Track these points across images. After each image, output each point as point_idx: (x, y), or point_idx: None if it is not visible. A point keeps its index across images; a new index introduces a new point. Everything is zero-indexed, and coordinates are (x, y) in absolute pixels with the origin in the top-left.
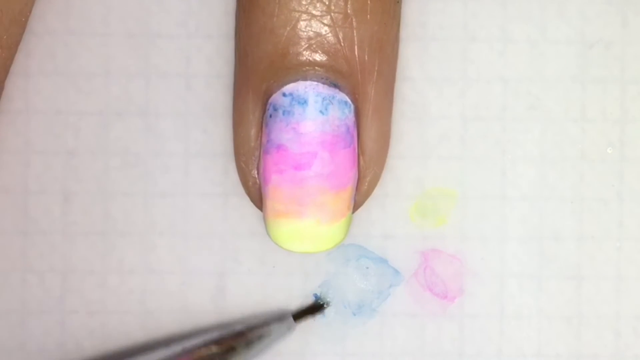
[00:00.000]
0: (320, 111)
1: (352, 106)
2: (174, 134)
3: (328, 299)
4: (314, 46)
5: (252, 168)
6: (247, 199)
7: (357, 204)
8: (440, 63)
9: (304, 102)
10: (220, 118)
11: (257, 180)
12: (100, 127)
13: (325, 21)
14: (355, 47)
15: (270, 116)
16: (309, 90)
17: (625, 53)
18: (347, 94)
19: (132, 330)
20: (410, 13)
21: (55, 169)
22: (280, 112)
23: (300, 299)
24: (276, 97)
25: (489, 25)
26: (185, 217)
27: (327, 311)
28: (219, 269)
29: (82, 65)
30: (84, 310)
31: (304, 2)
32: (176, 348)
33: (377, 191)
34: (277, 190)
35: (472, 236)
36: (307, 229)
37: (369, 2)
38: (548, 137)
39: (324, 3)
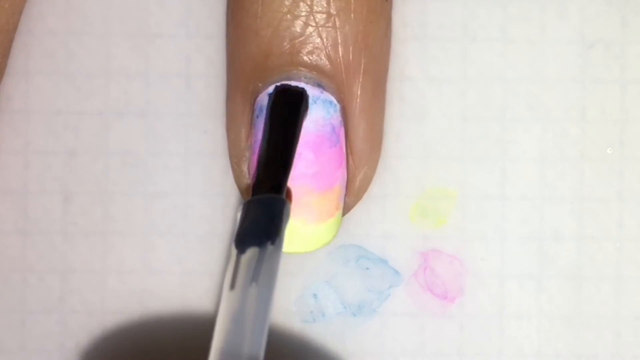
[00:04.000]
0: None
1: (338, 106)
2: (174, 134)
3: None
4: (297, 46)
5: (244, 168)
6: None
7: (348, 205)
8: (440, 63)
9: None
10: (220, 118)
11: (249, 181)
12: (100, 127)
13: (308, 21)
14: (339, 46)
15: (257, 117)
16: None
17: (625, 53)
18: (332, 94)
19: (132, 330)
20: (410, 13)
21: (55, 169)
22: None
23: (300, 299)
24: (262, 98)
25: (489, 25)
26: (185, 217)
27: (327, 311)
28: (218, 269)
29: (82, 65)
30: (84, 310)
31: (286, 3)
32: None
33: (377, 191)
34: None
35: (472, 236)
36: (294, 229)
37: (352, 1)
38: (548, 137)
39: (307, 3)
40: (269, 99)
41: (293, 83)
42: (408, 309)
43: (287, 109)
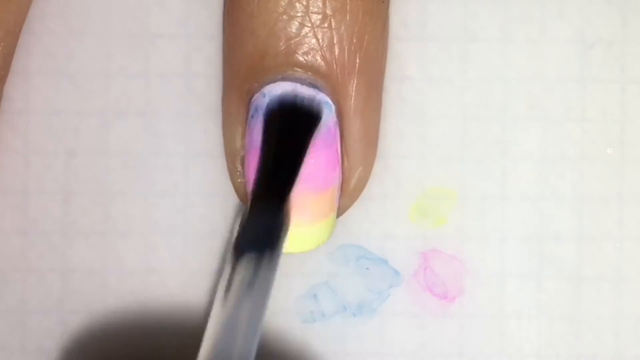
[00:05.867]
0: None
1: (333, 106)
2: (174, 134)
3: None
4: (293, 47)
5: (239, 167)
6: None
7: (343, 206)
8: (440, 63)
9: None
10: (220, 118)
11: (243, 179)
12: (100, 127)
13: (303, 22)
14: (335, 47)
15: (252, 117)
16: (288, 90)
17: (625, 53)
18: (327, 94)
19: (132, 330)
20: (410, 13)
21: (55, 169)
22: (260, 112)
23: (300, 299)
24: (257, 98)
25: (489, 25)
26: (185, 217)
27: (327, 311)
28: (218, 269)
29: (82, 65)
30: (84, 310)
31: (282, 3)
32: None
33: (377, 191)
34: None
35: (472, 236)
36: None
37: (348, 2)
38: (548, 137)
39: (303, 4)
40: (277, 104)
41: (287, 83)
42: (408, 309)
43: (302, 125)
